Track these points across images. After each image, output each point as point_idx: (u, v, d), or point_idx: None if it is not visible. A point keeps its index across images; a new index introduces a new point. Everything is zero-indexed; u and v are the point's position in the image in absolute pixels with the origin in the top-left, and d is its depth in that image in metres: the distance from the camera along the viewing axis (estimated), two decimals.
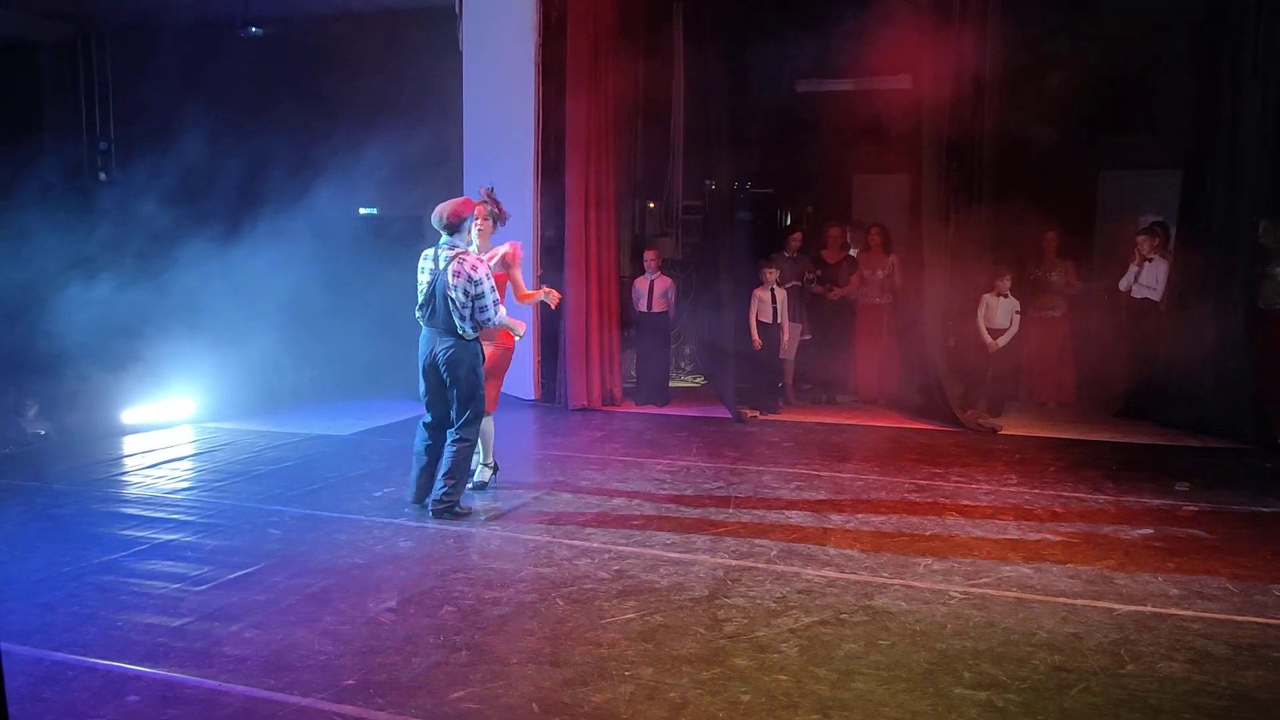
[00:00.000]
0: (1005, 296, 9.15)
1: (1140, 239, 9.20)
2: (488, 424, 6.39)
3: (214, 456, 7.52)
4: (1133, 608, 4.52)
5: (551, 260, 9.85)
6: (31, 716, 3.38)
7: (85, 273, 8.19)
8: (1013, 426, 8.74)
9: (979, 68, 8.71)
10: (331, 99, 10.03)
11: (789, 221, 12.97)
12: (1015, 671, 3.83)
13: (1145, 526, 5.81)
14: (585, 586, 4.76)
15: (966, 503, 6.32)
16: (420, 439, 6.07)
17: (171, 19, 9.90)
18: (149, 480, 6.82)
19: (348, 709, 3.51)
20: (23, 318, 7.47)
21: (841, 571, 4.99)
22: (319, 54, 10.12)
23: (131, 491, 6.57)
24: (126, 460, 7.49)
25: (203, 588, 4.75)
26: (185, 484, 6.73)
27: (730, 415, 9.20)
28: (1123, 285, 9.31)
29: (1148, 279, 9.10)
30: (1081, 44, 10.44)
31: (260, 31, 9.67)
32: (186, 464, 7.32)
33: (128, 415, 8.36)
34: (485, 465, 6.59)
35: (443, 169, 10.36)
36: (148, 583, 4.81)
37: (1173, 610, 4.49)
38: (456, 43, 9.81)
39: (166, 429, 8.41)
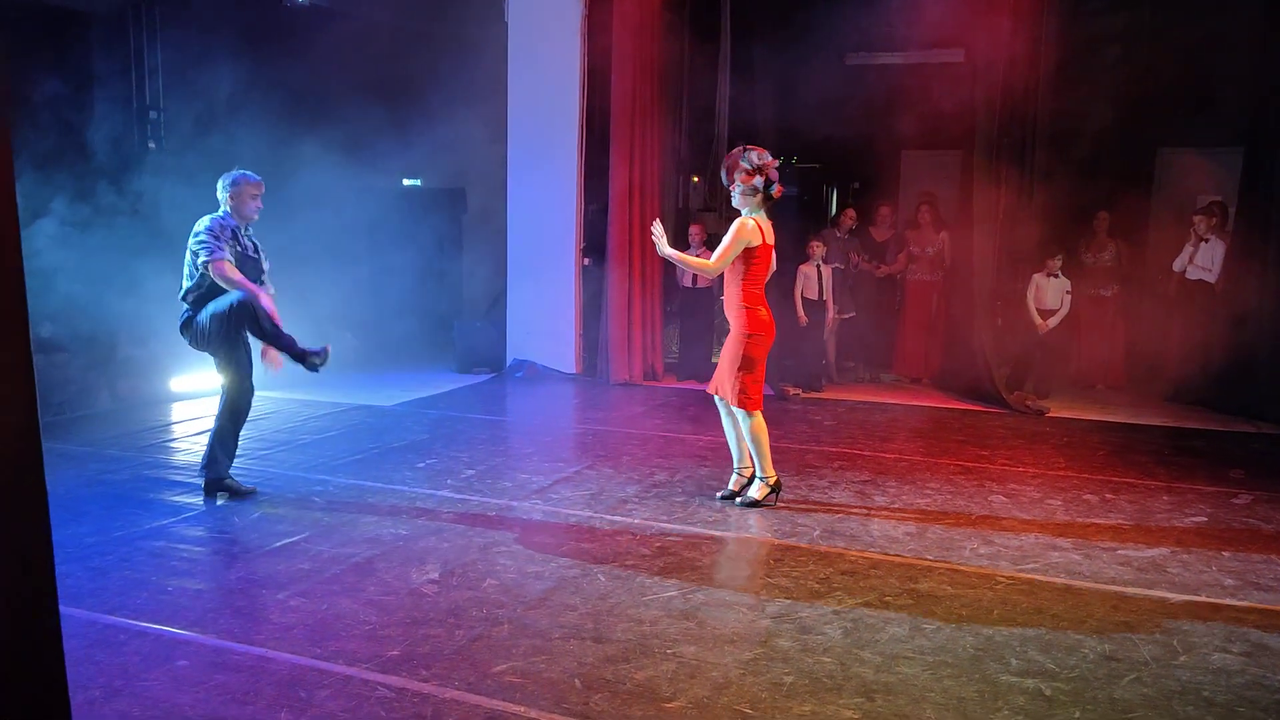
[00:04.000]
0: (1056, 276, 8.98)
1: (1197, 219, 8.97)
2: (755, 425, 5.65)
3: (259, 425, 7.58)
4: (1186, 597, 4.43)
5: (595, 234, 9.83)
6: (85, 678, 3.44)
7: (133, 239, 8.27)
8: (1060, 409, 8.59)
9: (1034, 42, 8.52)
10: (376, 70, 10.03)
11: (834, 196, 12.81)
12: (1064, 660, 3.77)
13: (1199, 514, 5.69)
14: (627, 563, 4.76)
15: (1013, 485, 6.23)
16: None
17: None
18: (197, 447, 6.89)
19: (392, 680, 3.53)
20: (76, 285, 7.56)
21: (885, 553, 4.94)
22: (364, 25, 10.10)
23: (180, 458, 6.68)
24: (175, 427, 7.61)
25: (249, 555, 4.82)
26: None
27: (772, 392, 9.14)
28: (1177, 266, 9.09)
29: (1203, 260, 8.87)
30: (1140, 17, 10.15)
31: (306, 2, 9.66)
32: None
33: (176, 383, 8.48)
34: (760, 479, 5.68)
35: (487, 141, 10.35)
36: (196, 549, 4.89)
37: (1228, 600, 4.40)
38: (502, 13, 9.78)
39: (214, 397, 8.49)
